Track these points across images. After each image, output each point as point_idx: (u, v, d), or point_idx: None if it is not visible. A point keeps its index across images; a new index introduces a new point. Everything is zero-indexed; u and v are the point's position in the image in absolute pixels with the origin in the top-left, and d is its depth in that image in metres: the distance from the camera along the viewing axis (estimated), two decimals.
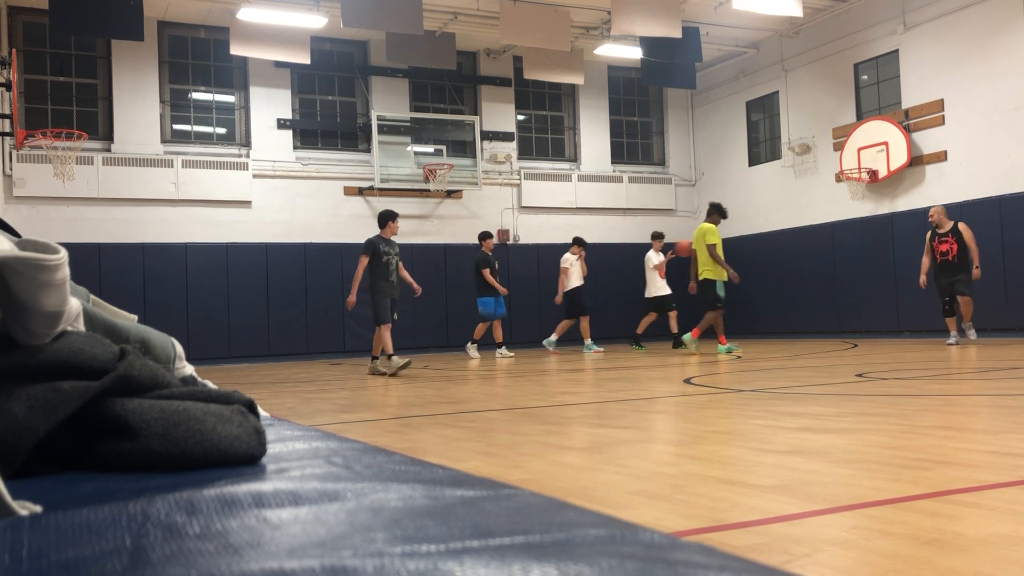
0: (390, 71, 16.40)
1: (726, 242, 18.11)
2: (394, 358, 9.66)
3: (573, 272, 13.83)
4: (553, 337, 13.85)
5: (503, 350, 13.23)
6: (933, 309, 13.07)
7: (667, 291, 13.83)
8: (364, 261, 9.83)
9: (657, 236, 14.12)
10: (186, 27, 15.36)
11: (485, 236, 13.52)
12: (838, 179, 15.67)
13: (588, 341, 13.82)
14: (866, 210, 15.27)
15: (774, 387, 6.37)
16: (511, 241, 17.21)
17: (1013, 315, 12.91)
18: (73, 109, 14.69)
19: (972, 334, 11.46)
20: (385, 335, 9.83)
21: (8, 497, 0.72)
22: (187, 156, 14.97)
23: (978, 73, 13.50)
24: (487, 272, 13.13)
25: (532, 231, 17.48)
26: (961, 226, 11.36)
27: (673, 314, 13.71)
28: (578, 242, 14.09)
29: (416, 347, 16.11)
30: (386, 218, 10.11)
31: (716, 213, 11.80)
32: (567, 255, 14.03)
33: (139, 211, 14.60)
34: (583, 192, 17.93)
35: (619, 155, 18.67)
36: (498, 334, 13.26)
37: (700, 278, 11.52)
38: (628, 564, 0.54)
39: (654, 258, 13.95)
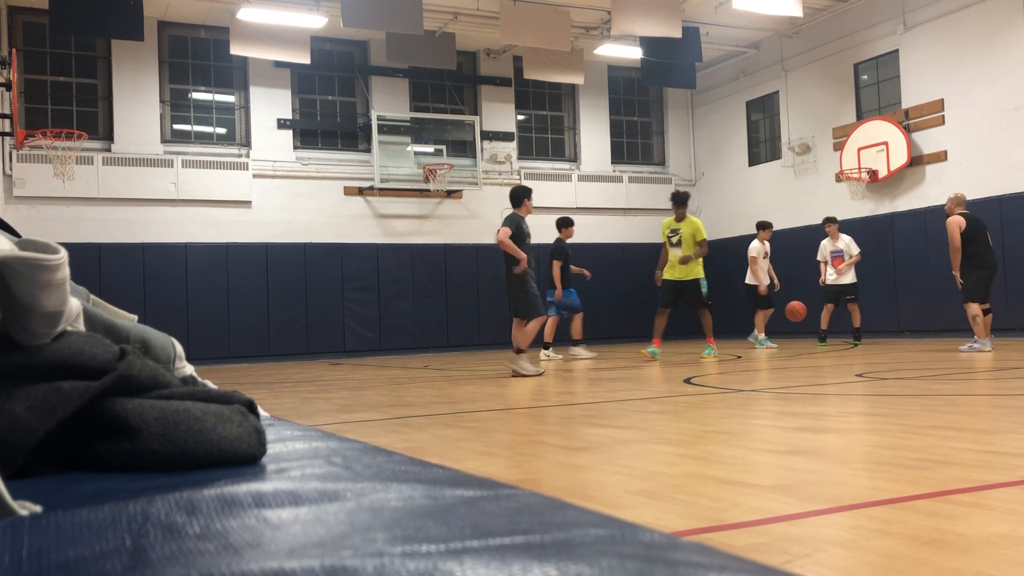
0: (390, 71, 16.40)
1: (725, 243, 18.15)
2: (536, 359, 8.35)
3: (762, 263, 12.99)
4: (760, 335, 12.98)
5: (550, 352, 12.03)
6: (933, 309, 13.05)
7: (831, 280, 12.87)
8: (507, 232, 8.38)
9: (830, 220, 13.00)
10: (186, 27, 15.36)
11: (563, 223, 12.05)
12: (838, 179, 15.68)
13: (761, 335, 13.01)
14: (866, 210, 15.27)
15: (774, 387, 6.37)
16: None
17: (1013, 315, 12.90)
18: (73, 109, 14.69)
19: (969, 346, 9.99)
20: (535, 329, 8.61)
21: (8, 497, 0.72)
22: (187, 156, 14.97)
23: (978, 73, 13.50)
24: (557, 265, 11.89)
25: (532, 231, 17.40)
26: (948, 221, 10.10)
27: (852, 306, 12.68)
28: (763, 226, 13.11)
29: (416, 347, 16.13)
30: (522, 195, 8.68)
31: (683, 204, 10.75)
32: (754, 243, 13.13)
33: (139, 211, 14.60)
34: (583, 192, 17.93)
35: (619, 155, 18.67)
36: (550, 332, 12.00)
37: (693, 277, 10.67)
38: (628, 564, 0.54)
39: (828, 245, 12.93)
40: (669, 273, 10.74)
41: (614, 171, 18.37)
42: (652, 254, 18.15)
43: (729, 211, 18.28)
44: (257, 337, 15.06)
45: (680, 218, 10.74)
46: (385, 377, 9.51)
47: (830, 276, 12.72)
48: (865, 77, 15.58)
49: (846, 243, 12.82)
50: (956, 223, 9.91)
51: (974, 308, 9.85)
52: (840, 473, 2.88)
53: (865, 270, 15.01)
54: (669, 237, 10.76)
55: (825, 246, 12.93)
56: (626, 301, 17.93)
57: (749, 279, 13.21)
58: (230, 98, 15.76)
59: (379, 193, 16.18)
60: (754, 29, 16.54)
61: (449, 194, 16.66)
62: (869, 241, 15.01)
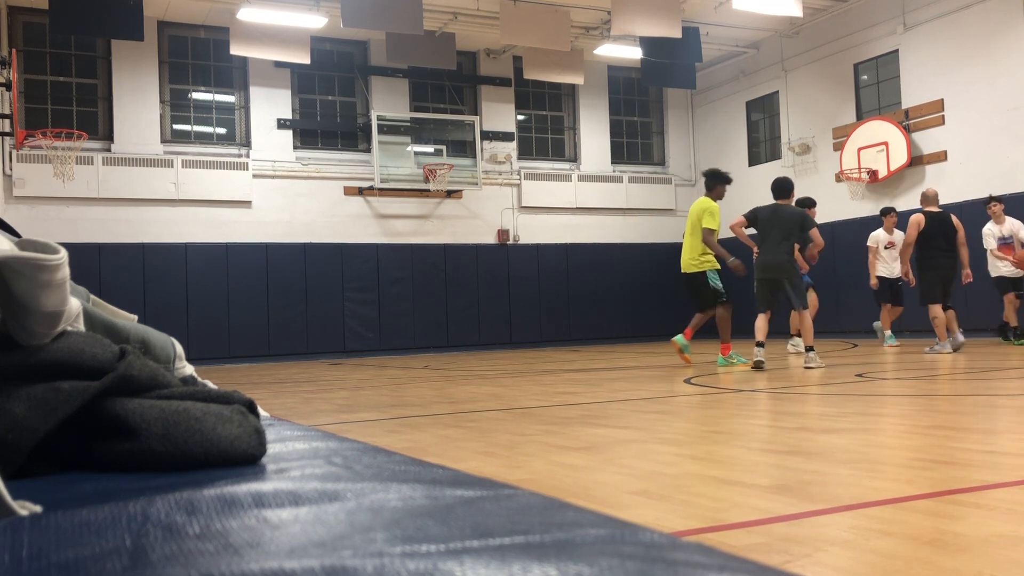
0: (390, 71, 16.40)
1: (724, 243, 18.13)
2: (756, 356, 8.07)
3: (883, 254, 11.60)
4: (882, 327, 11.90)
5: (796, 340, 11.19)
6: (985, 308, 12.90)
7: (1006, 271, 11.08)
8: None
9: (994, 200, 11.15)
10: (186, 27, 15.36)
11: (806, 204, 11.02)
12: (838, 179, 15.67)
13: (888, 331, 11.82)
14: (866, 210, 15.26)
15: (774, 387, 6.37)
16: (511, 241, 17.22)
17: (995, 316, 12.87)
18: (73, 109, 14.69)
19: (931, 347, 10.01)
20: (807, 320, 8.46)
21: (8, 497, 0.72)
22: (187, 156, 14.97)
23: (978, 73, 13.50)
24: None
25: (532, 231, 17.48)
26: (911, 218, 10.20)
27: (1009, 297, 11.09)
28: (887, 212, 11.75)
29: (416, 347, 16.13)
30: (790, 187, 8.65)
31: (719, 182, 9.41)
32: (875, 232, 11.74)
33: (139, 211, 14.60)
34: (583, 192, 17.93)
35: (619, 155, 18.67)
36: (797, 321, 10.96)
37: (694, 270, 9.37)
38: (628, 564, 0.54)
39: (994, 230, 11.10)
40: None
41: (614, 171, 18.37)
42: (652, 254, 18.20)
43: (729, 211, 18.23)
44: (257, 337, 15.06)
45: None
46: (385, 377, 9.51)
47: (1003, 267, 11.00)
48: (865, 77, 15.58)
49: (1012, 227, 11.03)
50: (915, 221, 9.97)
51: (933, 310, 9.83)
52: (840, 473, 2.88)
53: (865, 270, 14.98)
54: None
55: (989, 232, 11.15)
56: (626, 301, 17.92)
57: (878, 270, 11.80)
58: (230, 98, 15.76)
59: (379, 193, 16.18)
60: (754, 29, 16.54)
61: (449, 194, 16.66)
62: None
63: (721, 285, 9.22)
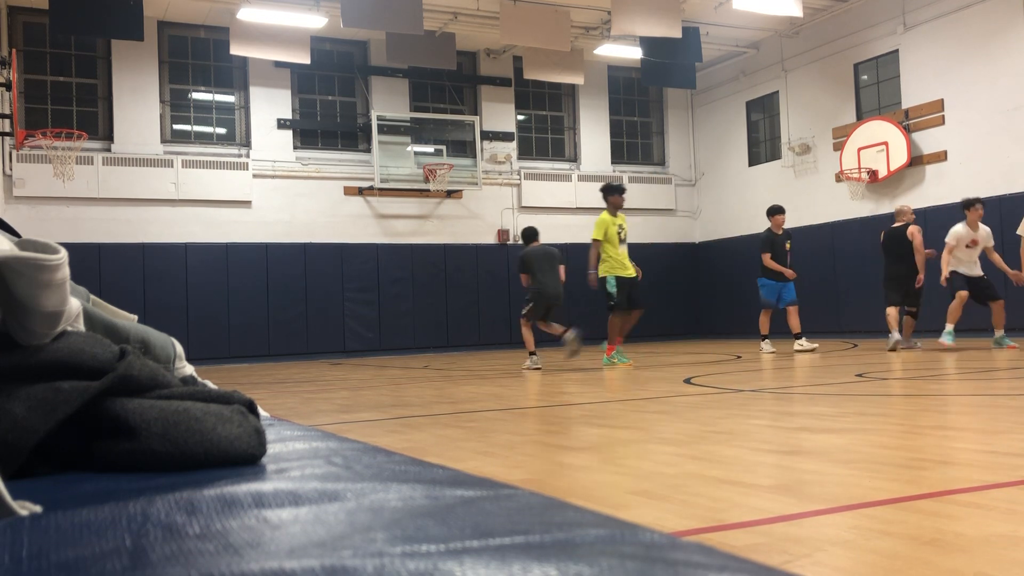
0: (390, 71, 16.40)
1: (724, 243, 18.15)
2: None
3: (960, 254, 10.48)
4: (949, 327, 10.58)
5: (802, 341, 11.45)
6: (932, 309, 12.99)
7: None
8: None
9: None
10: (186, 27, 15.36)
11: (773, 211, 11.66)
12: (838, 179, 15.68)
13: (999, 333, 10.49)
14: (866, 210, 15.27)
15: (774, 387, 6.37)
16: (511, 241, 17.22)
17: (1013, 315, 12.88)
18: (73, 109, 14.69)
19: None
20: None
21: (8, 497, 0.72)
22: (187, 156, 14.97)
23: (978, 73, 13.50)
24: (767, 257, 11.50)
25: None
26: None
27: None
28: (970, 204, 10.49)
29: (416, 347, 16.13)
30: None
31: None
32: (956, 227, 10.51)
33: (139, 211, 14.60)
34: (583, 192, 17.92)
35: (619, 155, 18.67)
36: (795, 323, 11.53)
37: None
38: (628, 564, 0.54)
39: None
40: (630, 271, 10.04)
41: (614, 171, 18.36)
42: (652, 254, 18.18)
43: (729, 211, 18.27)
44: (257, 337, 15.06)
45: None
46: (385, 377, 9.51)
47: None
48: (865, 77, 15.58)
49: None
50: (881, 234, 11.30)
51: (887, 311, 10.90)
52: (840, 473, 2.88)
53: (865, 270, 15.01)
54: (618, 232, 9.96)
55: None
56: None
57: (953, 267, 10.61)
58: (230, 98, 15.76)
59: (379, 193, 16.18)
60: (754, 29, 16.54)
61: (449, 194, 16.66)
62: (868, 241, 15.00)
63: (615, 292, 9.83)
